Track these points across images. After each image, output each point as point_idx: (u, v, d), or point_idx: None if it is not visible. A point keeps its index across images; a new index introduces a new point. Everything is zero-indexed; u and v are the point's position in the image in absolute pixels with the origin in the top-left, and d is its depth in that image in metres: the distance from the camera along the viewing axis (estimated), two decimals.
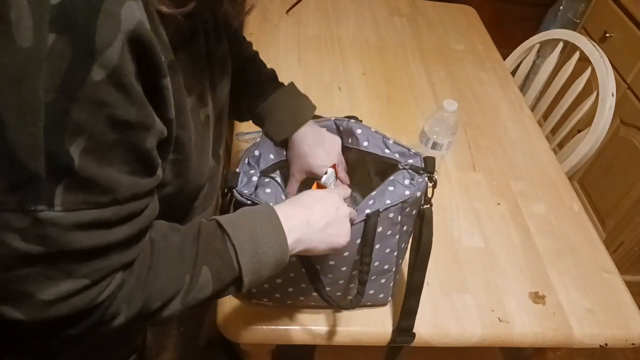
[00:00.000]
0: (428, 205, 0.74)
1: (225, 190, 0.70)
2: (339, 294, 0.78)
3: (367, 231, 0.69)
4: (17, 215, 0.41)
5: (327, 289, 0.73)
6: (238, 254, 0.54)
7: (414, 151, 0.76)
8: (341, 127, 0.81)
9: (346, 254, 0.71)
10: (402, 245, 0.78)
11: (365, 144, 0.78)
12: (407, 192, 0.71)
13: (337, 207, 0.64)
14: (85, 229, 0.44)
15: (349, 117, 0.82)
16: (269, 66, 0.86)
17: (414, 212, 0.74)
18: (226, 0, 0.48)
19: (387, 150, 0.76)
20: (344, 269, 0.73)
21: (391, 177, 0.73)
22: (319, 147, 0.78)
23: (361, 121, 0.82)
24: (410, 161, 0.75)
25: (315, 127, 0.80)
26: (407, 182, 0.72)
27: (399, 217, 0.72)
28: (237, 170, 0.72)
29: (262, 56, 0.87)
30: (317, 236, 0.61)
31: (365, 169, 0.84)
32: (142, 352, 0.78)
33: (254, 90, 0.81)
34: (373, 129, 0.79)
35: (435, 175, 0.74)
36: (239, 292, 0.58)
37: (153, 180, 0.49)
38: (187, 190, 0.60)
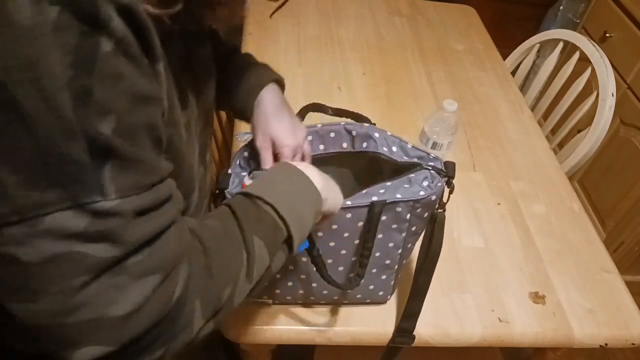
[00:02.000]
0: (441, 210, 0.73)
1: (217, 192, 0.68)
2: (338, 282, 0.78)
3: (370, 218, 0.69)
4: (72, 214, 0.37)
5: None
6: (279, 211, 0.53)
7: (433, 155, 0.74)
8: (354, 132, 0.77)
9: (346, 234, 0.71)
10: (408, 246, 0.77)
11: (385, 149, 0.75)
12: (421, 193, 0.70)
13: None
14: (144, 214, 0.41)
15: (359, 119, 0.80)
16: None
17: (426, 214, 0.73)
18: (218, 5, 0.46)
19: (405, 157, 0.75)
20: (343, 252, 0.73)
21: (412, 175, 0.71)
22: (286, 116, 0.73)
23: (374, 124, 0.79)
24: (431, 164, 0.73)
25: (284, 97, 0.75)
26: (425, 183, 0.71)
27: (408, 215, 0.72)
28: (229, 171, 0.71)
29: (262, 56, 0.87)
30: (329, 186, 0.61)
31: (375, 174, 0.81)
32: None
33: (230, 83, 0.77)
34: (389, 133, 0.77)
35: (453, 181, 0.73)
36: (290, 255, 0.56)
37: (169, 165, 0.47)
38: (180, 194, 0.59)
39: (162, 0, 0.43)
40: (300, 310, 0.82)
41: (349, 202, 0.68)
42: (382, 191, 0.69)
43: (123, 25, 0.38)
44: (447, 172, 0.72)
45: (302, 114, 0.81)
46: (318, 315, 0.82)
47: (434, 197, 0.71)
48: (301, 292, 0.79)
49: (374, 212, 0.68)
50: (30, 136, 0.35)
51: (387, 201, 0.69)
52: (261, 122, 0.72)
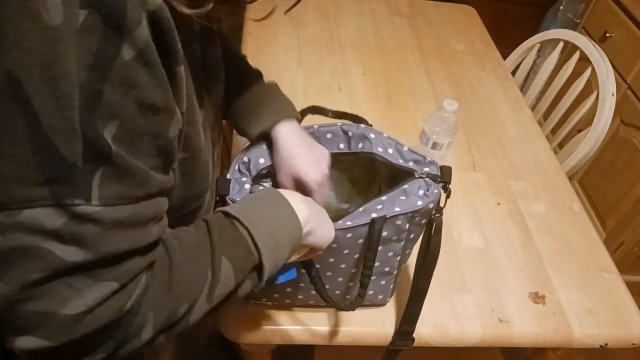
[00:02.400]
0: (439, 215, 0.72)
1: (217, 199, 0.66)
2: (337, 292, 0.78)
3: (371, 235, 0.68)
4: (51, 211, 0.37)
5: (327, 287, 0.73)
6: (253, 236, 0.52)
7: (429, 159, 0.73)
8: (350, 133, 0.76)
9: (346, 251, 0.71)
10: (407, 251, 0.77)
11: (380, 150, 0.74)
12: (419, 203, 0.69)
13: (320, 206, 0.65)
14: (123, 228, 0.41)
15: (357, 120, 0.79)
16: (268, 66, 0.86)
17: (424, 221, 0.73)
18: (247, 4, 0.47)
19: (400, 160, 0.73)
20: (343, 266, 0.73)
21: (405, 186, 0.70)
22: (306, 149, 0.71)
23: (371, 125, 0.78)
24: (427, 169, 0.72)
25: (303, 130, 0.74)
26: (421, 192, 0.70)
27: (407, 225, 0.71)
28: (228, 176, 0.70)
29: (262, 56, 0.88)
30: (317, 220, 0.60)
31: (372, 176, 0.81)
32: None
33: (236, 86, 0.76)
34: (385, 134, 0.76)
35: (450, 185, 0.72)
36: (260, 283, 0.55)
37: (169, 178, 0.47)
38: (193, 193, 0.58)
39: (192, 1, 0.43)
40: (300, 311, 0.82)
41: (349, 223, 0.67)
42: (379, 207, 0.69)
43: (148, 32, 0.38)
44: (443, 177, 0.71)
45: (301, 116, 0.81)
46: (318, 315, 0.82)
47: (431, 205, 0.70)
48: (300, 297, 0.79)
49: (374, 229, 0.67)
50: (33, 132, 0.36)
51: (387, 216, 0.68)
52: (282, 161, 0.70)
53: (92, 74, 0.36)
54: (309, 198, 0.63)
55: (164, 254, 0.48)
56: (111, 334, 0.44)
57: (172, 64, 0.43)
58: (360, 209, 0.69)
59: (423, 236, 0.76)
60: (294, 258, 0.61)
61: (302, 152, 0.70)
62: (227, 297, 0.52)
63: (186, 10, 0.42)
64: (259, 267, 0.53)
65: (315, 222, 0.59)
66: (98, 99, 0.37)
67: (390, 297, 0.84)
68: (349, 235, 0.68)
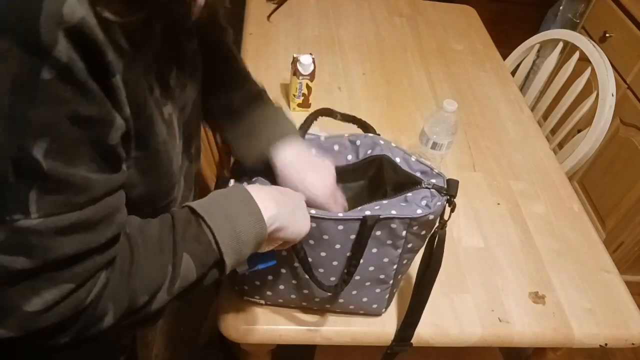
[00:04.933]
0: (442, 229, 0.71)
1: None
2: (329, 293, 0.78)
3: (362, 230, 0.69)
4: None
5: None
6: (215, 235, 0.54)
7: (437, 171, 0.72)
8: (358, 142, 0.75)
9: (338, 246, 0.71)
10: (405, 262, 0.76)
11: (389, 154, 0.74)
12: (418, 211, 0.68)
13: (299, 199, 0.66)
14: (67, 234, 0.43)
15: (366, 128, 0.78)
16: (268, 66, 0.85)
17: (424, 232, 0.72)
18: (177, 6, 0.48)
19: (408, 170, 0.73)
20: (335, 263, 0.73)
21: (409, 194, 0.70)
22: (309, 173, 0.71)
23: (379, 134, 0.77)
24: (433, 181, 0.71)
25: (301, 149, 0.73)
26: (424, 202, 0.69)
27: (404, 232, 0.71)
28: (229, 179, 0.71)
29: (262, 56, 0.87)
30: (288, 216, 0.61)
31: (378, 186, 0.80)
32: (132, 352, 0.77)
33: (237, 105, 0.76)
34: (394, 144, 0.75)
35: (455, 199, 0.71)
36: (222, 275, 0.57)
37: (121, 175, 0.49)
38: (159, 190, 0.59)
39: (124, 9, 0.43)
40: (300, 311, 0.83)
41: (340, 215, 0.68)
42: (377, 207, 0.69)
43: (69, 49, 0.39)
44: (449, 190, 0.70)
45: (311, 118, 0.80)
46: (318, 315, 0.82)
47: (431, 217, 0.69)
48: (293, 296, 0.79)
49: (366, 225, 0.68)
50: None
51: (381, 216, 0.68)
52: (289, 187, 0.70)
53: (13, 98, 0.38)
54: (285, 192, 0.64)
55: (126, 248, 0.51)
56: (73, 323, 0.47)
57: (104, 76, 0.44)
58: (359, 208, 0.69)
59: (425, 248, 0.75)
60: (266, 249, 0.64)
61: (307, 179, 0.71)
62: (190, 287, 0.55)
63: (114, 19, 0.42)
64: (221, 262, 0.56)
65: (284, 219, 0.61)
66: (22, 121, 0.38)
67: (386, 308, 0.83)
68: (340, 227, 0.68)
